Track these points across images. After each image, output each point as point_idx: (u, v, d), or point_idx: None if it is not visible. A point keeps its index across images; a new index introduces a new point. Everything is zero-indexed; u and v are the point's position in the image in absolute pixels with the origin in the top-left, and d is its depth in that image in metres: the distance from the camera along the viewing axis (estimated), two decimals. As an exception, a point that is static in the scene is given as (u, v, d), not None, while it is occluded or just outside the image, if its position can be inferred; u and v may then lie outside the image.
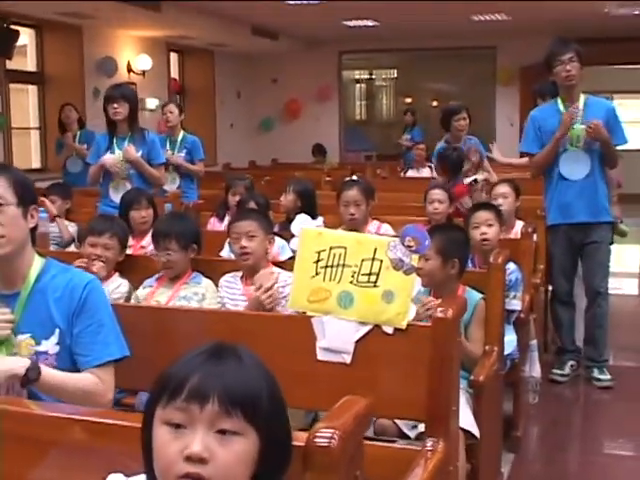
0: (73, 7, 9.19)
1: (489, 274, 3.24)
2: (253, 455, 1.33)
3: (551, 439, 4.32)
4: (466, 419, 2.70)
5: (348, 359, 2.43)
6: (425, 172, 10.18)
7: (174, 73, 13.31)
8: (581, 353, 5.21)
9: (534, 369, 4.34)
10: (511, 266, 3.72)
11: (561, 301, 5.19)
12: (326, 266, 2.48)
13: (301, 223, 3.50)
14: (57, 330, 2.31)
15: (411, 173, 10.20)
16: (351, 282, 2.45)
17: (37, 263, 2.38)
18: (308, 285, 2.50)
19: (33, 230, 2.38)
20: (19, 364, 2.13)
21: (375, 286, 2.43)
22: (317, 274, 2.49)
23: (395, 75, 18.00)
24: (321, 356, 2.45)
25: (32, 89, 10.69)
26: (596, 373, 5.01)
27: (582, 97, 5.04)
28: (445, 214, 5.07)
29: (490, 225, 3.99)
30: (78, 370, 2.32)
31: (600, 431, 4.44)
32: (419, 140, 12.62)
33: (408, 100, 18.32)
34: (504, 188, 4.99)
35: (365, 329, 2.43)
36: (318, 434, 1.37)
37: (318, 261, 2.49)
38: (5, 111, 9.54)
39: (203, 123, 13.01)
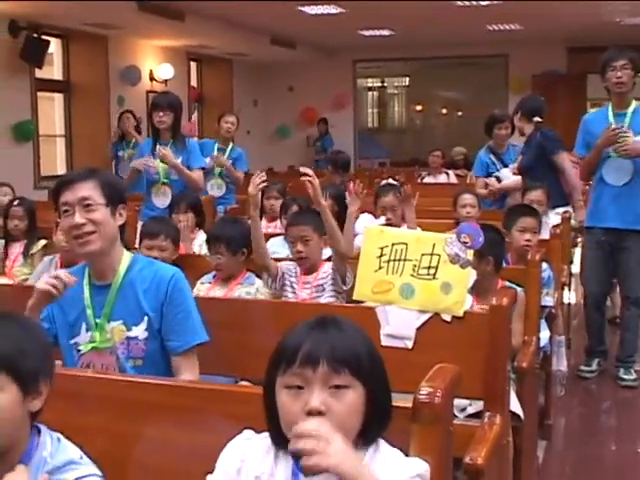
0: (100, 18, 9.49)
1: (527, 270, 3.50)
2: (361, 405, 1.58)
3: (579, 429, 4.57)
4: (512, 402, 2.95)
5: (410, 344, 2.69)
6: (442, 178, 10.42)
7: (193, 81, 13.60)
8: (608, 354, 5.42)
9: (561, 363, 4.58)
10: (544, 265, 3.95)
11: (593, 304, 5.35)
12: (388, 260, 2.74)
13: (365, 222, 3.74)
14: (146, 318, 2.57)
15: (428, 179, 10.43)
16: (412, 275, 2.70)
17: (126, 257, 2.64)
18: (372, 278, 2.75)
19: (122, 227, 2.64)
20: None
21: (434, 278, 2.68)
22: (380, 268, 2.74)
23: (407, 83, 18.28)
24: (385, 342, 2.69)
25: (58, 97, 10.99)
26: (622, 373, 5.19)
27: (634, 104, 5.06)
28: (476, 218, 5.28)
29: (535, 232, 4.23)
30: (165, 353, 2.59)
31: (625, 423, 4.68)
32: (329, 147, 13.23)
33: (419, 108, 18.62)
34: (539, 194, 5.19)
35: (425, 317, 2.68)
36: (423, 392, 1.63)
37: (381, 256, 2.75)
38: (33, 119, 9.82)
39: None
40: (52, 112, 11.01)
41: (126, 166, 8.31)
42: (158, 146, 5.84)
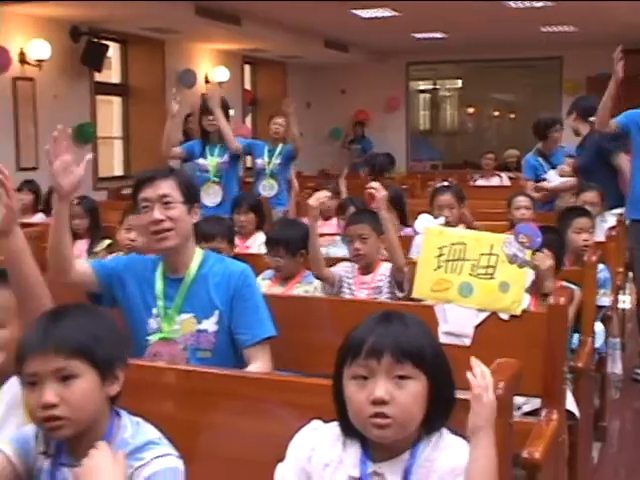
0: (158, 22, 9.68)
1: (584, 271, 3.54)
2: (424, 395, 1.66)
3: (634, 431, 4.58)
4: (568, 401, 2.99)
5: (468, 342, 2.75)
6: (494, 181, 10.43)
7: (247, 84, 13.76)
8: None
9: (616, 366, 4.59)
10: (600, 265, 3.98)
11: None
12: (447, 260, 2.80)
13: (424, 222, 3.81)
14: (216, 312, 2.68)
15: (480, 182, 10.44)
16: (470, 274, 2.77)
17: (198, 253, 2.76)
18: (431, 277, 2.82)
19: (195, 225, 2.76)
20: None
21: (492, 278, 2.74)
22: (439, 267, 2.81)
23: (459, 85, 18.23)
24: (443, 339, 2.75)
25: (116, 100, 11.22)
26: None
27: None
28: (530, 219, 5.32)
29: (590, 233, 4.27)
30: (234, 347, 2.68)
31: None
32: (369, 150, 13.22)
33: (471, 110, 18.55)
34: (593, 196, 5.20)
35: (483, 315, 2.75)
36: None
37: (440, 255, 2.82)
38: (92, 121, 10.04)
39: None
40: (110, 115, 11.24)
41: (189, 166, 8.54)
42: (217, 150, 6.06)
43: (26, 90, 8.80)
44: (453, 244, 2.80)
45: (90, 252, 5.33)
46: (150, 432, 1.76)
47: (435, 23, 11.54)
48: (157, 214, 2.62)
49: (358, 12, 10.41)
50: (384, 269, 3.80)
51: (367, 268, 3.83)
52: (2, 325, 2.08)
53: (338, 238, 4.87)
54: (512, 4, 10.08)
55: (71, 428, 1.65)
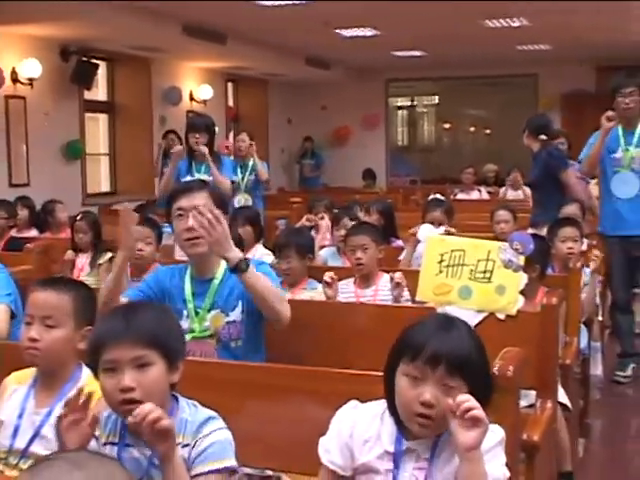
0: (145, 41, 9.90)
1: (570, 277, 3.82)
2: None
3: (615, 429, 4.85)
4: (560, 393, 3.25)
5: (468, 340, 3.00)
6: (474, 195, 10.75)
7: (230, 101, 14.02)
8: None
9: (597, 368, 4.89)
10: (586, 269, 4.26)
11: (620, 309, 5.67)
12: (448, 265, 3.06)
13: (426, 232, 4.07)
14: (240, 301, 2.95)
15: (461, 196, 10.73)
16: (469, 278, 3.02)
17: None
18: (433, 281, 3.07)
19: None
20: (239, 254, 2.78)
21: (489, 281, 3.00)
22: (441, 272, 3.07)
23: (436, 101, 18.58)
24: (445, 338, 3.00)
25: (102, 117, 11.42)
26: None
27: None
28: (511, 232, 5.60)
29: (576, 241, 4.55)
30: (261, 332, 2.99)
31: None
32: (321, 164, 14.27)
33: (447, 126, 18.89)
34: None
35: (482, 316, 3.00)
36: (501, 367, 1.95)
37: (441, 261, 3.07)
38: (81, 138, 10.24)
39: (256, 148, 13.68)
40: (97, 132, 11.43)
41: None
42: (203, 168, 6.28)
43: (18, 108, 8.99)
44: (453, 251, 3.06)
45: (93, 265, 5.53)
46: (207, 411, 1.98)
47: (414, 42, 11.86)
48: (191, 222, 2.86)
49: (340, 31, 10.70)
50: (385, 281, 4.02)
51: (367, 280, 4.06)
52: (57, 326, 2.29)
53: (334, 249, 5.13)
54: (489, 23, 10.40)
55: None
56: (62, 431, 1.92)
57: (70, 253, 5.61)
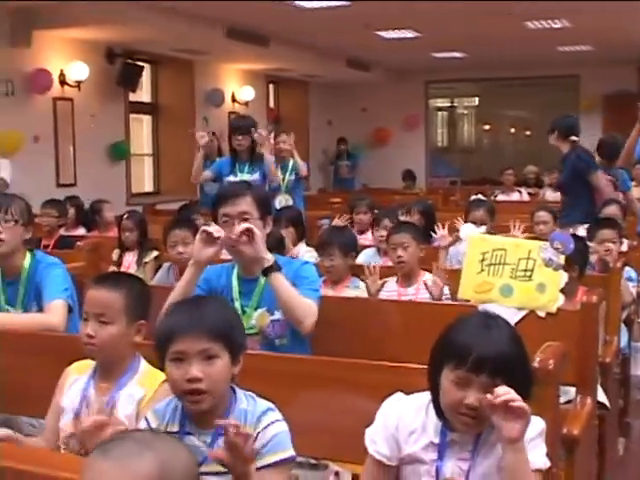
0: (190, 44, 10.07)
1: (610, 277, 3.87)
2: None
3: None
4: (598, 392, 3.30)
5: (509, 338, 3.07)
6: (514, 196, 10.77)
7: (271, 102, 14.16)
8: None
9: (637, 368, 4.92)
10: (627, 267, 4.30)
11: None
12: (489, 264, 3.12)
13: (468, 231, 4.13)
14: None
15: (501, 197, 10.75)
16: (510, 276, 3.08)
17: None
18: (474, 279, 3.14)
19: (268, 235, 3.11)
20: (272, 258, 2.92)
21: (530, 279, 3.06)
22: (482, 271, 3.13)
23: (476, 103, 18.57)
24: (486, 335, 3.07)
25: (147, 119, 11.62)
26: None
27: None
28: (550, 232, 5.65)
29: (614, 242, 4.59)
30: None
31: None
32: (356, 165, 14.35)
33: (487, 127, 18.88)
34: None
35: (522, 314, 3.05)
36: (541, 360, 2.02)
37: (483, 260, 3.13)
38: (126, 139, 10.43)
39: (296, 149, 13.80)
40: (141, 133, 11.63)
41: (212, 184, 8.73)
42: (246, 168, 6.39)
43: (65, 110, 9.20)
44: (494, 250, 3.12)
45: (139, 263, 5.67)
46: (264, 402, 2.08)
47: (455, 43, 11.91)
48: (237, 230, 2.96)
49: (381, 33, 10.78)
50: (426, 279, 4.12)
51: (409, 279, 4.15)
52: (110, 322, 2.41)
53: (374, 250, 5.21)
54: (530, 24, 10.41)
55: (209, 401, 1.96)
56: (85, 434, 2.02)
57: (117, 252, 5.75)
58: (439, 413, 1.99)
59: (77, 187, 9.02)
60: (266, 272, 2.90)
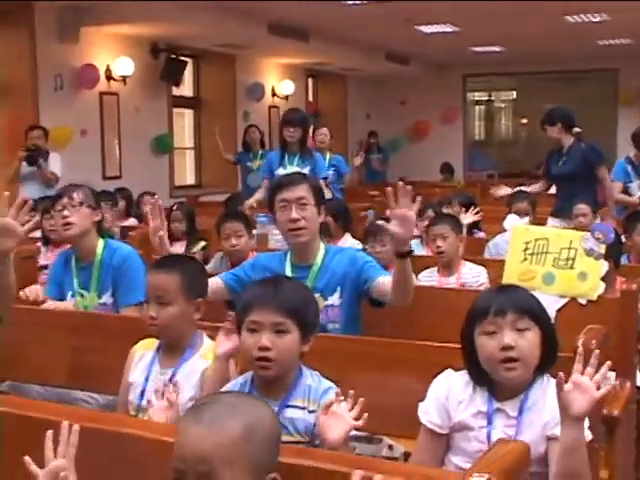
0: (232, 39, 10.25)
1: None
2: (538, 342, 2.12)
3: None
4: (637, 378, 3.42)
5: (551, 324, 3.21)
6: (552, 189, 10.78)
7: (310, 96, 14.32)
8: None
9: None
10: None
11: None
12: (532, 253, 3.27)
13: (512, 221, 4.29)
14: (339, 287, 3.20)
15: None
16: (553, 265, 3.22)
17: (322, 246, 3.25)
18: (518, 268, 3.29)
19: (321, 224, 3.27)
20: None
21: (572, 268, 3.20)
22: (525, 259, 3.28)
23: (514, 97, 18.59)
24: (529, 321, 3.21)
25: (189, 113, 11.82)
26: None
27: None
28: (589, 224, 5.75)
29: None
30: (356, 316, 3.24)
31: None
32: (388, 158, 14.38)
33: (524, 121, 18.88)
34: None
35: (564, 301, 3.20)
36: (584, 341, 2.16)
37: (526, 250, 3.28)
38: (170, 133, 10.65)
39: (335, 143, 13.83)
40: (183, 126, 11.85)
41: (255, 176, 8.73)
42: (296, 160, 6.49)
43: (111, 104, 9.42)
44: (537, 240, 3.26)
45: (187, 253, 5.84)
46: (327, 382, 2.25)
47: (493, 37, 11.97)
48: (294, 214, 3.13)
49: (421, 28, 10.88)
50: (467, 269, 4.27)
51: (449, 268, 4.30)
52: (170, 303, 2.58)
53: (417, 240, 5.34)
54: (569, 18, 10.45)
55: (275, 370, 2.14)
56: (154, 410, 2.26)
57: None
58: (474, 378, 2.16)
59: (122, 180, 9.23)
60: (403, 255, 2.94)
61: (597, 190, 6.34)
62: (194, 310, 2.64)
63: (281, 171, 6.68)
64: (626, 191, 6.87)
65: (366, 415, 2.01)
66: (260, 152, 9.71)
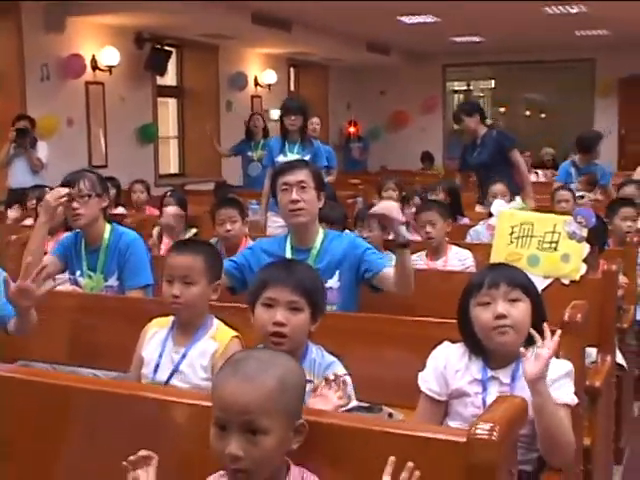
0: (215, 29, 10.35)
1: (626, 250, 4.17)
2: (529, 313, 2.28)
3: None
4: (617, 355, 3.60)
5: (536, 303, 3.38)
6: (532, 177, 11.00)
7: (292, 86, 14.44)
8: None
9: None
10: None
11: None
12: (518, 237, 3.43)
13: (498, 206, 4.44)
14: (337, 271, 3.35)
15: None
16: (537, 248, 3.39)
17: (320, 231, 3.39)
18: (504, 250, 3.45)
19: (320, 210, 3.42)
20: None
21: (555, 250, 3.37)
22: (511, 242, 3.44)
23: (492, 86, 18.77)
24: (515, 301, 3.38)
25: (172, 102, 11.92)
26: None
27: None
28: (571, 210, 5.94)
29: (634, 220, 4.89)
30: (354, 300, 3.39)
31: None
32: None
33: (502, 109, 19.07)
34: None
35: (548, 281, 3.36)
36: (570, 315, 2.33)
37: (512, 233, 3.44)
38: (154, 122, 10.74)
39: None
40: (167, 115, 11.94)
41: (256, 166, 8.74)
42: (296, 147, 6.57)
43: (97, 94, 9.52)
44: (522, 224, 3.43)
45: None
46: (330, 356, 2.42)
47: (473, 27, 12.13)
48: (295, 195, 3.28)
49: (402, 18, 11.02)
50: (453, 253, 4.45)
51: (437, 253, 4.47)
52: (194, 283, 2.72)
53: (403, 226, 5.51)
54: (548, 10, 10.64)
55: (288, 346, 2.28)
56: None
57: (157, 229, 6.06)
58: (470, 348, 2.33)
59: (108, 169, 9.31)
60: (401, 246, 3.14)
61: (513, 174, 6.59)
62: (212, 292, 2.79)
63: (282, 158, 6.68)
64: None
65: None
66: (261, 142, 9.59)
